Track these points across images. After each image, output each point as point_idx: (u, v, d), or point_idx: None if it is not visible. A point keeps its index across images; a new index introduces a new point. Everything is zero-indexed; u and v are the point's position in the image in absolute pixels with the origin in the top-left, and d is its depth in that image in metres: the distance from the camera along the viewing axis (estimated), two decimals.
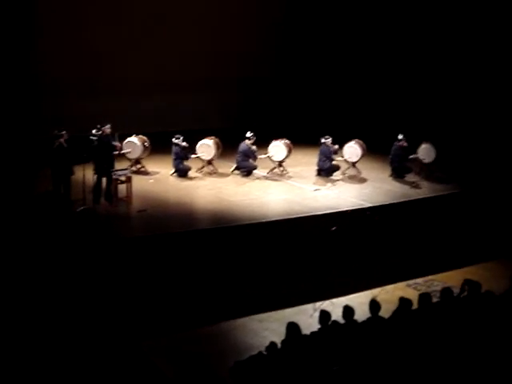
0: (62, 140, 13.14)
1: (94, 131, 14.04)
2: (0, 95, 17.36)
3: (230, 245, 12.62)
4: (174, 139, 15.97)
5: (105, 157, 13.89)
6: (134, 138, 16.31)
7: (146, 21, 20.07)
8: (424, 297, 8.39)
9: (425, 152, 16.81)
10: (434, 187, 16.19)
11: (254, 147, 16.38)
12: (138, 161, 16.46)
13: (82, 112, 18.07)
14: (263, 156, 16.60)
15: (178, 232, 12.51)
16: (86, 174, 13.39)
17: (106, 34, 19.47)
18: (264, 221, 13.30)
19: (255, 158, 16.49)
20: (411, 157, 16.75)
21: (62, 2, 18.82)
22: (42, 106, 18.40)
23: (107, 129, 14.23)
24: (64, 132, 13.20)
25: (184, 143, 15.95)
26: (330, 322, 7.87)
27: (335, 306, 10.71)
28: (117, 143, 14.76)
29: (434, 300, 8.66)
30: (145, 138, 16.55)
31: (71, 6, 18.94)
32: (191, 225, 13.16)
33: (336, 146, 16.50)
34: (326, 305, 11.04)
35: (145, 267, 11.61)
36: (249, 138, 16.38)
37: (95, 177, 13.74)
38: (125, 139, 15.98)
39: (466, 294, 8.66)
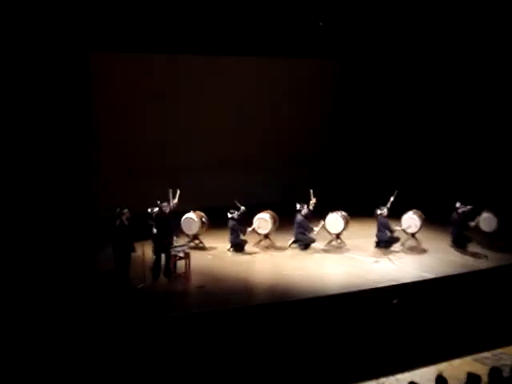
0: (123, 218, 13.41)
1: (149, 210, 14.27)
2: (61, 175, 17.92)
3: (290, 320, 12.46)
4: (229, 214, 16.11)
5: (164, 233, 14.05)
6: (191, 214, 16.52)
7: (199, 104, 20.59)
8: (494, 371, 8.06)
9: (486, 221, 16.48)
10: (496, 257, 15.78)
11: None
12: (196, 236, 16.62)
13: (141, 190, 18.40)
14: (317, 228, 16.49)
15: (236, 308, 12.43)
16: (146, 251, 13.54)
17: (166, 117, 20.17)
18: (324, 295, 13.14)
19: (311, 230, 16.41)
20: (472, 224, 16.38)
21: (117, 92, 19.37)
22: (102, 185, 18.89)
23: (166, 206, 14.47)
24: (126, 210, 13.45)
25: (242, 208, 16.14)
26: None
27: (400, 382, 10.43)
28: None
29: (504, 375, 8.32)
30: (202, 213, 16.74)
31: (127, 93, 19.52)
32: (250, 300, 13.09)
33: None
34: (390, 381, 10.75)
35: (204, 344, 11.53)
36: (300, 210, 16.38)
37: (154, 254, 13.89)
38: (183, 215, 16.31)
39: None
